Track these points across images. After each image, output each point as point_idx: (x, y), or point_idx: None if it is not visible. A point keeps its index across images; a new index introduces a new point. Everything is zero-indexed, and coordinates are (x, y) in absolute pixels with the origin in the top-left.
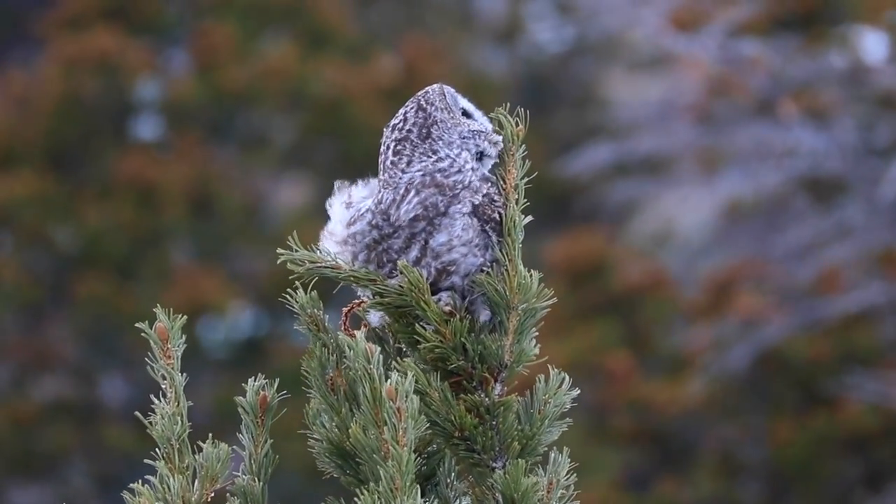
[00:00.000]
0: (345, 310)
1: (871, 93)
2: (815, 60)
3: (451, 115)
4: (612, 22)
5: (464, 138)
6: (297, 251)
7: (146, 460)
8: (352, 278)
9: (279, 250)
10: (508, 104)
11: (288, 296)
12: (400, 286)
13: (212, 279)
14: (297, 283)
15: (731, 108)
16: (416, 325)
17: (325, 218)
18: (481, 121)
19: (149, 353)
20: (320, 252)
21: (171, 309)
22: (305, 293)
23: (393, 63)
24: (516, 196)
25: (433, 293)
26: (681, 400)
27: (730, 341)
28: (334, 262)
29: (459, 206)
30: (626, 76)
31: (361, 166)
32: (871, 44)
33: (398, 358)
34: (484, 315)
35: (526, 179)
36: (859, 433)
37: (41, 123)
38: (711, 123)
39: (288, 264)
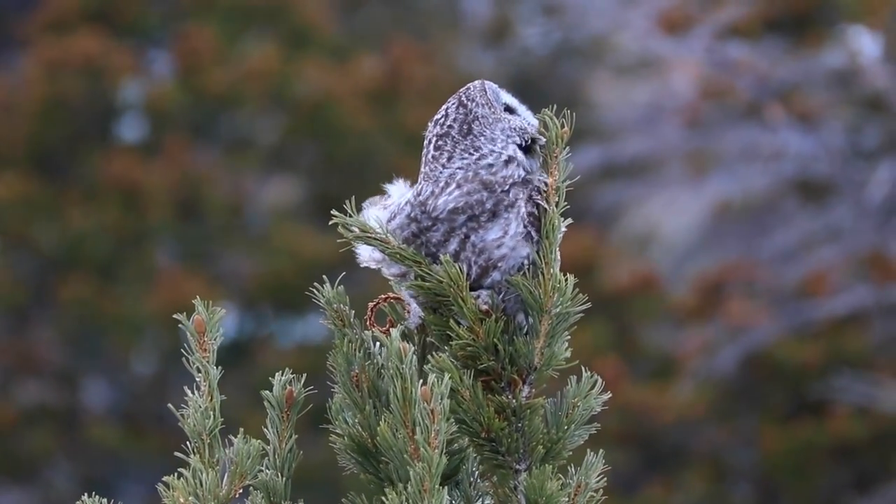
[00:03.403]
0: (370, 305)
1: (861, 94)
2: (803, 62)
3: (493, 110)
4: (599, 24)
5: (507, 134)
6: (350, 216)
7: (176, 453)
8: (398, 256)
9: (333, 211)
10: (555, 105)
11: (314, 290)
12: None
13: (196, 281)
14: (283, 284)
15: (719, 110)
16: (451, 319)
17: (310, 219)
18: (525, 115)
19: (184, 345)
20: (373, 222)
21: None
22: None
23: (377, 64)
24: (556, 198)
25: (473, 290)
26: (671, 404)
27: (719, 345)
28: (385, 237)
29: (513, 205)
30: (614, 79)
31: (345, 168)
32: (866, 45)
33: (434, 353)
34: (522, 319)
35: (568, 182)
36: (849, 438)
37: (25, 126)
38: (700, 126)
39: (339, 227)
